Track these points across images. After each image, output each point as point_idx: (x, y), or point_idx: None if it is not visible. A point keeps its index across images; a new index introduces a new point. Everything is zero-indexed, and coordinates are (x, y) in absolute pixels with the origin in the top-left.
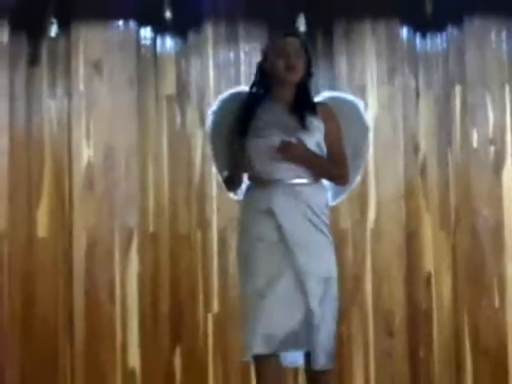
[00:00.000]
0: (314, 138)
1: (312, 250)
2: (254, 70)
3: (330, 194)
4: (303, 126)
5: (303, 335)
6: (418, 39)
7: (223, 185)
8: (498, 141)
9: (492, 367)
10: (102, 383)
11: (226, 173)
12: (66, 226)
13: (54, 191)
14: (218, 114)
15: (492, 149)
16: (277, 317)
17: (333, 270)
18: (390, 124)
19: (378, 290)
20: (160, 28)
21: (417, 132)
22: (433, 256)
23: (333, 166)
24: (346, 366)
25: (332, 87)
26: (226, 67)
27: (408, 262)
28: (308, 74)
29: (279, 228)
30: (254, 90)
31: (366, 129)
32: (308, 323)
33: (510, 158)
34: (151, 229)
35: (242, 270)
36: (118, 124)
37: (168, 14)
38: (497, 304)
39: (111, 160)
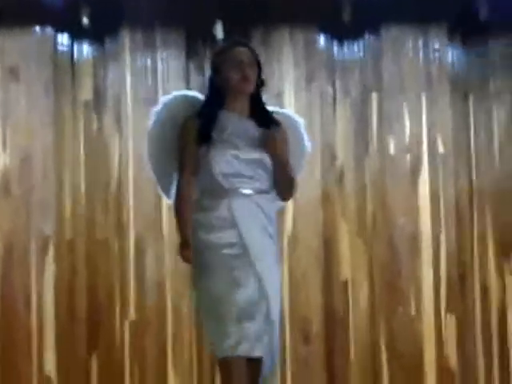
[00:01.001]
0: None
1: (269, 260)
2: (171, 76)
3: None
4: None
5: (265, 342)
6: (335, 46)
7: (158, 190)
8: (415, 149)
9: (408, 374)
10: None
11: (181, 177)
12: None
13: None
14: (162, 115)
15: (408, 157)
16: (245, 323)
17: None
18: (308, 131)
19: (295, 297)
20: (77, 34)
21: (334, 139)
22: (350, 263)
23: (293, 177)
24: None
25: None
26: (143, 74)
27: (325, 269)
28: (259, 84)
29: (240, 237)
30: (211, 97)
31: (304, 147)
32: (269, 331)
33: (427, 166)
34: (68, 235)
35: (201, 278)
36: (34, 130)
37: (85, 20)
38: (413, 311)
39: (28, 166)
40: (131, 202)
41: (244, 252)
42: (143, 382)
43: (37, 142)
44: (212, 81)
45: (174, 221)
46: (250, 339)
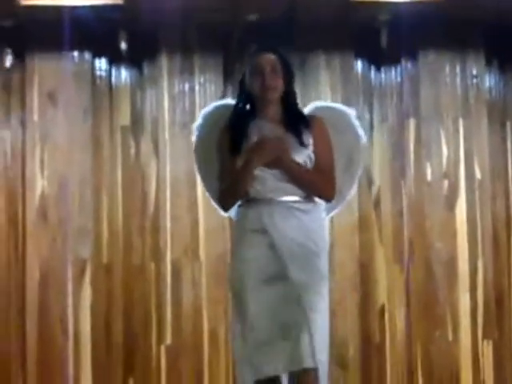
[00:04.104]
0: (303, 155)
1: (307, 266)
2: (208, 100)
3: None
4: (301, 143)
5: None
6: (372, 72)
7: (213, 203)
8: (452, 174)
9: None
10: None
11: (220, 185)
12: (20, 257)
13: (8, 222)
14: (203, 128)
15: (446, 182)
16: (272, 340)
17: (325, 285)
18: None
19: (332, 322)
20: (115, 59)
21: (371, 165)
22: (386, 288)
23: (318, 178)
24: None
25: None
26: (180, 98)
27: (362, 295)
28: (291, 88)
29: (273, 247)
30: (240, 106)
31: (358, 138)
32: (305, 336)
33: (464, 191)
34: (105, 260)
35: (235, 290)
36: (72, 155)
37: (123, 45)
38: (450, 337)
39: (65, 191)
40: (168, 227)
41: (277, 261)
42: None
43: (74, 167)
44: (240, 86)
45: (210, 245)
46: (274, 359)
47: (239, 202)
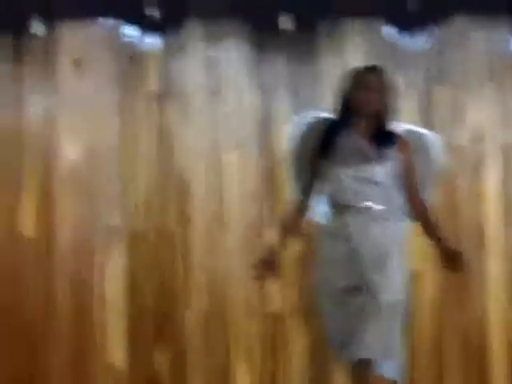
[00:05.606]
0: (386, 168)
1: (386, 274)
2: (236, 68)
3: None
4: (379, 155)
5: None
6: (400, 38)
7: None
8: (479, 140)
9: (474, 368)
10: (86, 381)
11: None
12: (50, 226)
13: (38, 190)
14: (298, 139)
15: (473, 148)
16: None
17: (402, 293)
18: None
19: None
20: (143, 26)
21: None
22: (415, 255)
23: (432, 219)
24: None
25: (314, 85)
26: (208, 64)
27: None
28: (387, 107)
29: (355, 252)
30: (337, 117)
31: (432, 163)
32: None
33: (491, 157)
34: (135, 227)
35: (319, 293)
36: (100, 122)
37: (150, 11)
38: (479, 305)
39: (94, 158)
40: (197, 194)
41: (358, 266)
42: (210, 374)
43: (103, 135)
44: (342, 101)
45: (240, 212)
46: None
47: (329, 203)
